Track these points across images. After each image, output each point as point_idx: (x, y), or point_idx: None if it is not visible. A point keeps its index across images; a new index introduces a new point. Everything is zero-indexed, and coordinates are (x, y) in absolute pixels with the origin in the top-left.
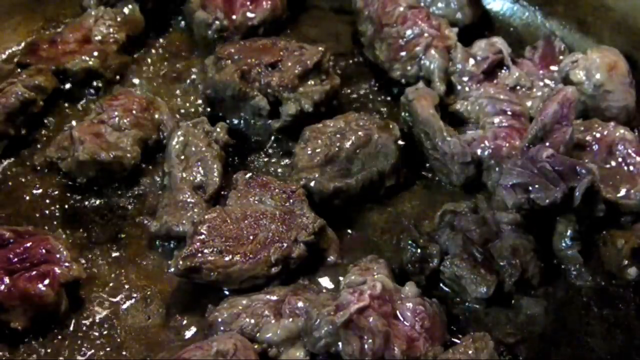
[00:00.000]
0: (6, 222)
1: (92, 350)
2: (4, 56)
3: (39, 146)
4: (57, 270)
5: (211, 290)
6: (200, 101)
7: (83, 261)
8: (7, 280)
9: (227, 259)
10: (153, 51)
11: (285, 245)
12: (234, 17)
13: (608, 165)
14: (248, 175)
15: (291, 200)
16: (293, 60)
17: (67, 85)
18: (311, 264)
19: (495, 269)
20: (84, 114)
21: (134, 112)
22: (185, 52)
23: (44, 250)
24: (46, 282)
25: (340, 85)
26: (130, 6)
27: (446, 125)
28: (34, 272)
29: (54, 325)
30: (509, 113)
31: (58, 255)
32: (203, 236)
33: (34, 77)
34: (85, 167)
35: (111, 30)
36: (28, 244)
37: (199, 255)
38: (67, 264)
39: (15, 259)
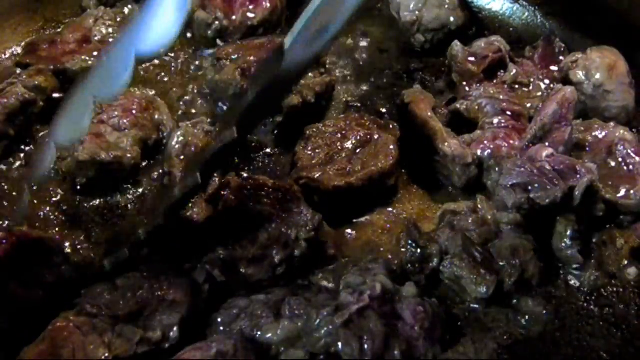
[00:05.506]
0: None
1: None
2: (4, 56)
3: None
4: None
5: None
6: (200, 101)
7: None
8: None
9: None
10: None
11: (287, 245)
12: (233, 17)
13: (608, 165)
14: (239, 177)
15: (287, 198)
16: None
17: (67, 86)
18: (311, 262)
19: (495, 269)
20: None
21: (134, 112)
22: (185, 52)
23: None
24: None
25: (340, 83)
26: (130, 6)
27: (445, 127)
28: None
29: None
30: (509, 113)
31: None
32: None
33: (34, 77)
34: (85, 167)
35: (111, 30)
36: None
37: None
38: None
39: None
